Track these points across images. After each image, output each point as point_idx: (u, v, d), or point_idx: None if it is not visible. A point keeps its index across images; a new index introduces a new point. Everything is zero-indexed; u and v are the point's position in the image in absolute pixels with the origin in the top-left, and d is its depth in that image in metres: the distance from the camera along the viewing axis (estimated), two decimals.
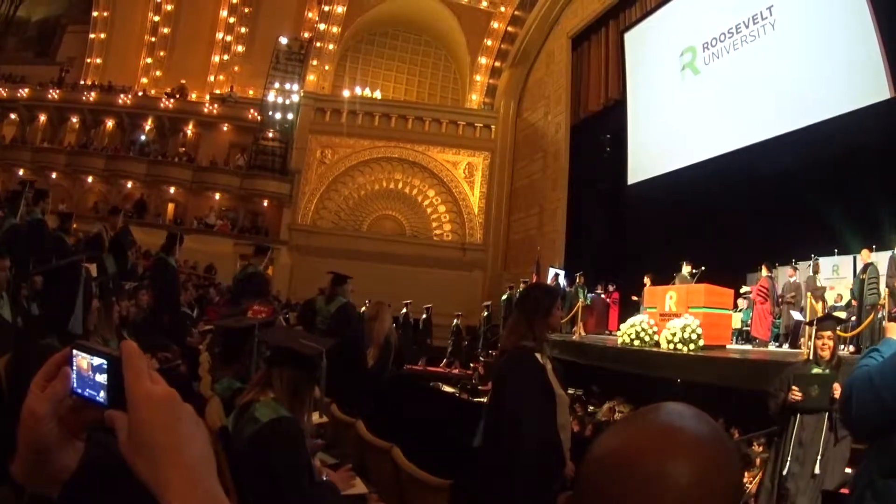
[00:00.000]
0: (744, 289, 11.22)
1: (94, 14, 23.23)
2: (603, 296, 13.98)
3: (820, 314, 6.67)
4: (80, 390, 0.68)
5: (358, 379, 4.96)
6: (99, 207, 20.62)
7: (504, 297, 15.22)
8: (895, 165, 9.06)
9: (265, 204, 21.87)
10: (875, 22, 10.10)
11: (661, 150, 15.02)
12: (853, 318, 8.36)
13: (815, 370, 4.07)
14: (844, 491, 3.49)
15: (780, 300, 10.08)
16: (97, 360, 0.67)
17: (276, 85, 21.95)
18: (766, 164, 11.66)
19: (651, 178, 15.23)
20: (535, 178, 20.19)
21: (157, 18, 23.36)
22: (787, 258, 10.73)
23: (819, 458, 3.84)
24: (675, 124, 14.72)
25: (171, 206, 21.86)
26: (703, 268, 10.38)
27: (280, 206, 21.40)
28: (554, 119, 19.52)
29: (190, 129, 22.52)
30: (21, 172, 20.67)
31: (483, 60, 22.14)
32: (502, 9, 21.42)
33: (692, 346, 8.53)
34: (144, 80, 23.12)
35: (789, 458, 3.95)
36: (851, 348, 8.05)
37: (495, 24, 21.73)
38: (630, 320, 9.98)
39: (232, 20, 23.38)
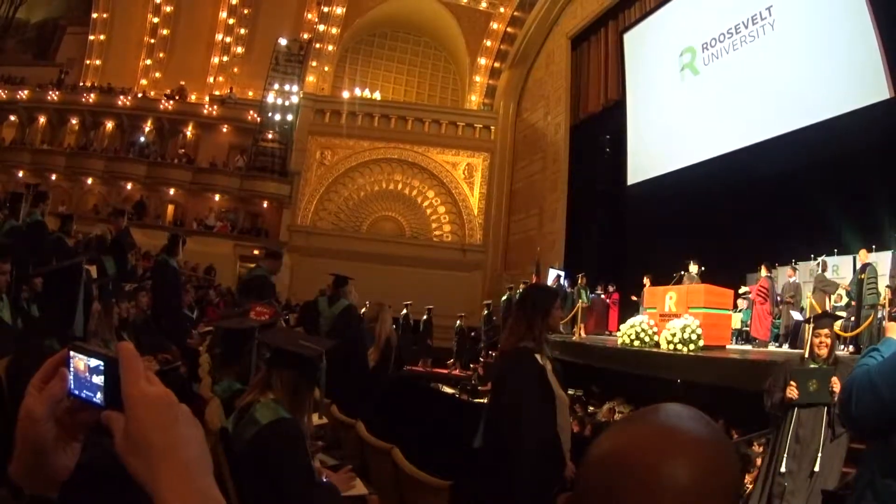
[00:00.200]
0: (743, 289, 11.22)
1: (94, 16, 23.23)
2: (603, 296, 13.99)
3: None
4: (77, 391, 0.68)
5: (358, 380, 4.96)
6: (99, 209, 20.60)
7: (504, 297, 15.23)
8: (895, 165, 9.06)
9: (265, 205, 21.86)
10: (875, 22, 10.09)
11: (661, 150, 15.01)
12: (853, 319, 8.36)
13: (813, 366, 4.04)
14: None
15: (779, 300, 10.08)
16: (94, 362, 0.67)
17: (276, 86, 21.93)
18: (766, 165, 11.66)
19: (651, 179, 15.22)
20: (535, 179, 20.17)
21: (156, 20, 23.33)
22: (786, 258, 10.75)
23: (818, 455, 3.80)
24: (674, 125, 14.71)
25: (170, 208, 21.85)
26: (702, 268, 10.40)
27: (280, 208, 21.39)
28: (553, 120, 19.51)
29: (189, 131, 22.50)
30: (21, 174, 20.69)
31: (482, 61, 22.13)
32: (501, 9, 21.42)
33: (692, 347, 8.52)
34: (144, 82, 23.10)
35: (785, 456, 3.89)
36: (851, 348, 8.06)
37: (494, 25, 21.72)
38: (630, 321, 9.96)
39: (231, 21, 23.36)
